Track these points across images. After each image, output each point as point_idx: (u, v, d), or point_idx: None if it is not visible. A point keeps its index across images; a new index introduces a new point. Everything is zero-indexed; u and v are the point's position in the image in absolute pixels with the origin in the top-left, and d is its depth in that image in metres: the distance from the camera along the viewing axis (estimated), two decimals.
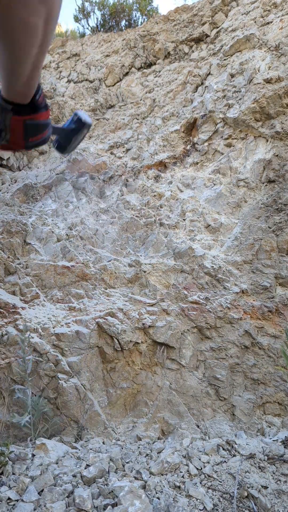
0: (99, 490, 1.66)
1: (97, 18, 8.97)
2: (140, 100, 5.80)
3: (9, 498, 1.60)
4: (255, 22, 5.33)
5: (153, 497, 1.67)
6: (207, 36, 6.19)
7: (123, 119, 5.48)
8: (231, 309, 3.07)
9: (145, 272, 3.30)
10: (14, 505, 1.57)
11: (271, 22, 5.12)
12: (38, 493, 1.63)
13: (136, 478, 1.81)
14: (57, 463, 1.94)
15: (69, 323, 2.89)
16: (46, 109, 0.89)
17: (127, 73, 6.56)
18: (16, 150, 1.02)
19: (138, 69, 6.54)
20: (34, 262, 3.38)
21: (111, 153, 5.00)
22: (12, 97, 0.83)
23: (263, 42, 4.83)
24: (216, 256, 3.40)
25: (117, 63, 6.53)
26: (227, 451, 2.13)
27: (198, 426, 2.69)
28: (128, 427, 2.64)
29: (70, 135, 1.11)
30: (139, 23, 8.97)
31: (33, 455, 1.96)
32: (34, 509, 1.54)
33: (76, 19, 9.21)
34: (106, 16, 8.81)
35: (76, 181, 4.46)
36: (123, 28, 8.78)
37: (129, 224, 3.85)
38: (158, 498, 1.68)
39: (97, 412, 2.60)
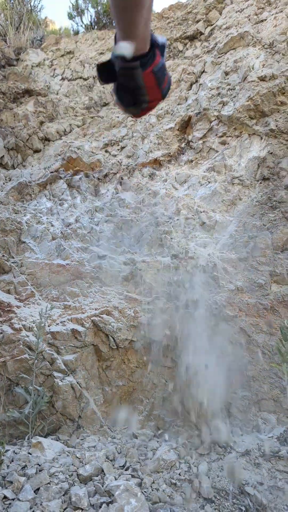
0: (95, 488, 1.66)
1: (91, 16, 8.88)
2: None
3: (5, 497, 1.59)
4: (249, 19, 5.33)
5: (149, 494, 1.68)
6: (201, 33, 6.18)
7: (118, 117, 5.46)
8: (226, 306, 3.08)
9: (140, 270, 3.30)
10: (10, 503, 1.56)
11: (265, 19, 5.13)
12: (34, 492, 1.63)
13: (132, 476, 1.81)
14: (53, 462, 1.93)
15: (64, 321, 2.88)
16: (157, 48, 0.86)
17: None
18: (153, 108, 0.98)
19: None
20: (29, 261, 3.36)
21: (106, 151, 4.98)
22: (139, 49, 0.80)
23: (257, 39, 4.84)
24: (211, 254, 3.40)
25: None
26: (223, 448, 2.14)
27: (193, 424, 2.70)
28: (124, 425, 2.64)
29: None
30: None
31: (29, 454, 1.95)
32: (30, 508, 1.54)
33: (70, 17, 9.13)
34: (100, 13, 8.76)
35: (71, 180, 4.44)
36: None
37: (124, 222, 3.85)
38: (154, 496, 1.68)
39: (93, 410, 2.60)
